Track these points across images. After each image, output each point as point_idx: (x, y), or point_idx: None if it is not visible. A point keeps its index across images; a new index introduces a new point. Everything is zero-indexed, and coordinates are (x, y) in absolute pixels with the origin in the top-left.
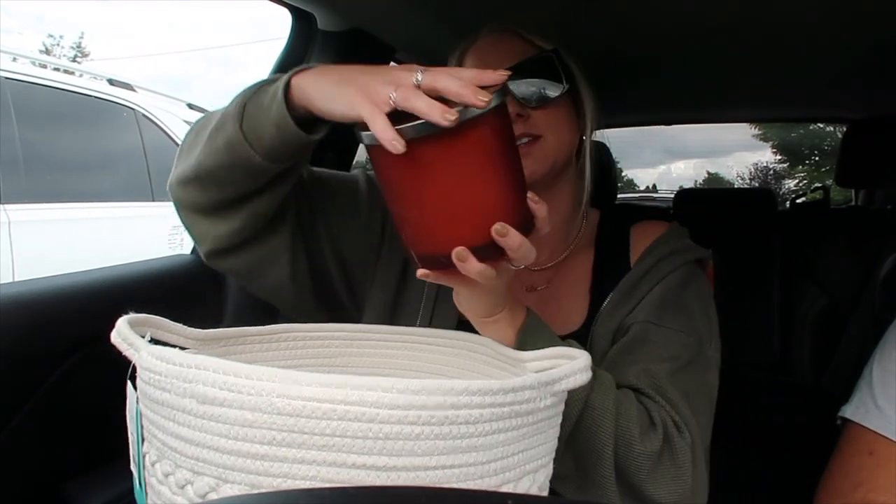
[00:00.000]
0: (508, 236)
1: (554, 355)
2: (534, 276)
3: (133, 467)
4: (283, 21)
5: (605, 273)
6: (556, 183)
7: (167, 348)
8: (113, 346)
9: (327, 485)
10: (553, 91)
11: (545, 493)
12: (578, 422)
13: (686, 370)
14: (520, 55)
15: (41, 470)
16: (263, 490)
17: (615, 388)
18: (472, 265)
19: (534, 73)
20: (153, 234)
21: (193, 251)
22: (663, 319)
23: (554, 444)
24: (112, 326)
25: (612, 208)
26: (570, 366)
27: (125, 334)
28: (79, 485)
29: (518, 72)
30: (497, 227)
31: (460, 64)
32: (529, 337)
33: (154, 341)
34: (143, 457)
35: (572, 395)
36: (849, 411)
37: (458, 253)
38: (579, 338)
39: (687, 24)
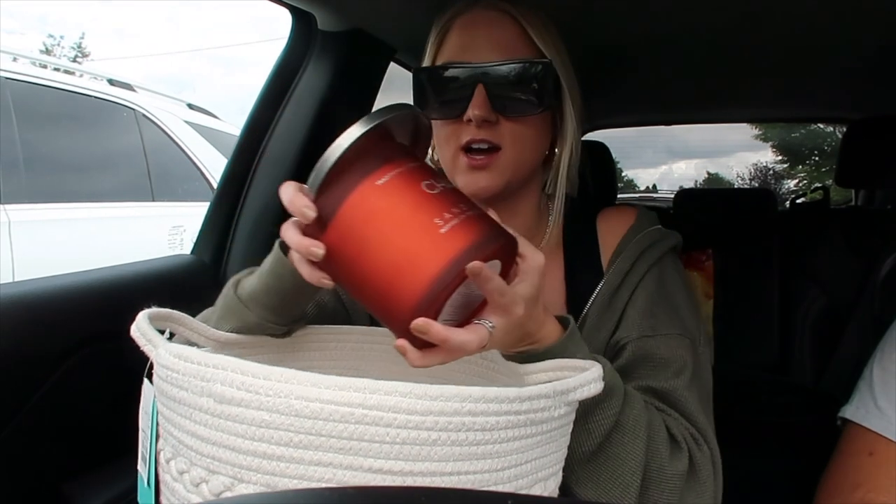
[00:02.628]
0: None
1: (557, 367)
2: None
3: (141, 465)
4: (285, 21)
5: (579, 279)
6: (514, 197)
7: (186, 346)
8: (114, 346)
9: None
10: (530, 108)
11: None
12: (605, 444)
13: (693, 377)
14: (511, 49)
15: (41, 470)
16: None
17: (644, 406)
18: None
19: (517, 80)
20: (153, 234)
21: (193, 251)
22: (657, 327)
23: (564, 452)
24: (112, 326)
25: (575, 201)
26: (583, 375)
27: (144, 329)
28: (79, 485)
29: (502, 71)
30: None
31: (442, 37)
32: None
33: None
34: (158, 453)
35: (597, 415)
36: (849, 412)
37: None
38: None
39: (688, 25)
